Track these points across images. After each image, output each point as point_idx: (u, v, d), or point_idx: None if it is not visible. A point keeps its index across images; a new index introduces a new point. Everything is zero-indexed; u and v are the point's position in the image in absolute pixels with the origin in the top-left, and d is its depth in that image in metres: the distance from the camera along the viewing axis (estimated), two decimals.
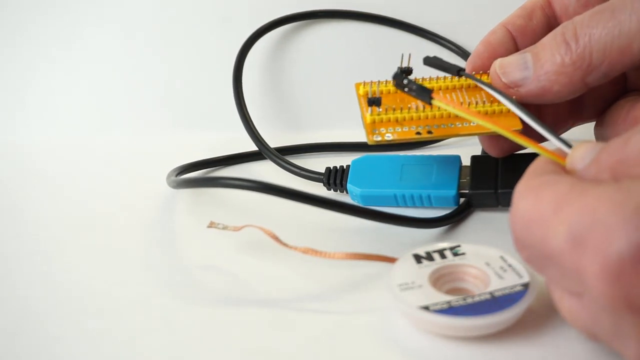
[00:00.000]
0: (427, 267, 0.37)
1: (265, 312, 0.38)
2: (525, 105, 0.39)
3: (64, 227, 0.47)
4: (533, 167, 0.33)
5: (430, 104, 0.40)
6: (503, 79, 0.40)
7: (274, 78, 0.57)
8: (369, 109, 0.41)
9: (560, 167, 0.33)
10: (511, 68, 0.40)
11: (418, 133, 0.40)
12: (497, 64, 0.40)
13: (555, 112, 0.42)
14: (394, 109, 0.41)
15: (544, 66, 0.39)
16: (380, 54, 0.56)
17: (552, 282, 0.32)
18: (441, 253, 0.37)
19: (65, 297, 0.40)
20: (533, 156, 0.35)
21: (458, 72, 0.41)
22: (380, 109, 0.41)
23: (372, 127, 0.41)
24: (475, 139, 0.47)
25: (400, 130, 0.40)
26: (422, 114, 0.41)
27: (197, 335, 0.36)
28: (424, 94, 0.40)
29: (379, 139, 0.40)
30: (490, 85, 0.40)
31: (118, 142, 0.56)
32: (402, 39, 0.57)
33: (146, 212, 0.47)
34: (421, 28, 0.56)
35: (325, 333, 0.36)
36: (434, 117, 0.41)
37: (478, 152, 0.46)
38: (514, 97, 0.40)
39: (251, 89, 0.56)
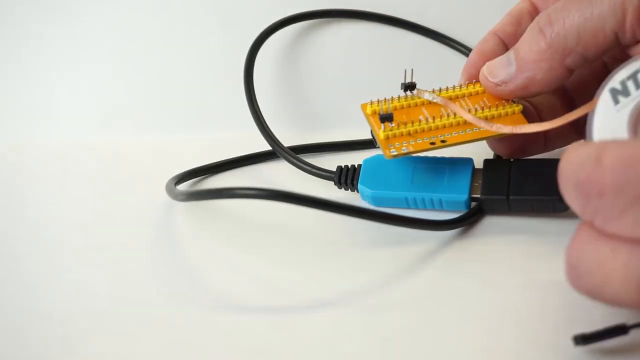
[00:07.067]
0: (626, 107, 0.33)
1: (266, 312, 0.38)
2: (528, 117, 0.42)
3: (64, 227, 0.47)
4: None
5: None
6: (491, 80, 0.42)
7: (286, 77, 0.56)
8: (382, 125, 0.42)
9: None
10: (496, 68, 0.42)
11: (432, 143, 0.42)
12: (484, 67, 0.42)
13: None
14: (405, 123, 0.42)
15: (524, 57, 0.40)
16: (394, 55, 0.56)
17: (629, 227, 0.30)
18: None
19: (65, 297, 0.40)
20: (545, 162, 0.34)
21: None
22: (393, 124, 0.42)
23: (387, 143, 0.42)
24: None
25: (414, 142, 0.42)
26: (432, 125, 0.42)
27: (197, 335, 0.36)
28: None
29: (396, 152, 0.41)
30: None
31: (119, 142, 0.56)
32: (417, 41, 0.56)
33: (146, 212, 0.47)
34: (440, 33, 0.56)
35: (325, 333, 0.36)
36: (444, 126, 0.42)
37: (491, 155, 0.45)
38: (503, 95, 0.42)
39: (264, 88, 0.55)
